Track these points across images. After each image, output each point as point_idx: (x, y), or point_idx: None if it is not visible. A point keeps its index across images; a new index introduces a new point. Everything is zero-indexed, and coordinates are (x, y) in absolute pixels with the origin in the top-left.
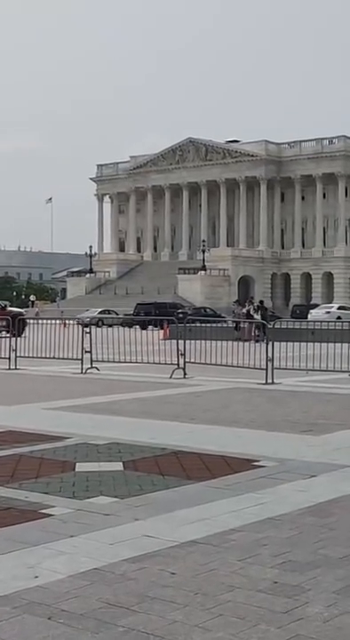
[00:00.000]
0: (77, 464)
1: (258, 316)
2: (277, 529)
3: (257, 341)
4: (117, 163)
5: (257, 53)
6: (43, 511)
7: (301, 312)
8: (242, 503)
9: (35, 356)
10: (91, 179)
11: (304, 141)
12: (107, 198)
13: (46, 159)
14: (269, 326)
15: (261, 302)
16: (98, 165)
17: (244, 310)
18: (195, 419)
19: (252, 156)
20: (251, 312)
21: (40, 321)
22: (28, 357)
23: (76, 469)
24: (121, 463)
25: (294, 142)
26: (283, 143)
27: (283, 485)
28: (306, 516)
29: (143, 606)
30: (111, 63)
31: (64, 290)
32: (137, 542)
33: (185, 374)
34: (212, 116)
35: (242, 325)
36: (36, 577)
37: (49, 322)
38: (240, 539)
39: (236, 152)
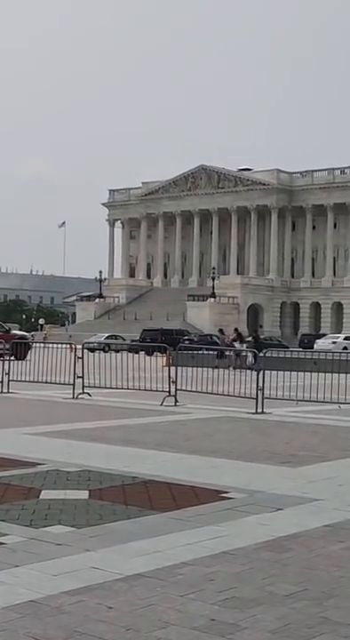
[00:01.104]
0: (43, 491)
1: (238, 345)
2: (229, 563)
3: (251, 369)
4: (129, 189)
5: (270, 83)
6: None
7: (309, 341)
8: (200, 536)
9: (33, 380)
10: (102, 204)
11: (316, 171)
12: (118, 224)
13: (60, 184)
14: (259, 355)
15: (255, 331)
16: (110, 191)
17: (230, 338)
18: (175, 447)
19: (264, 184)
20: (237, 341)
21: (48, 345)
22: (26, 382)
23: (41, 497)
24: (87, 492)
25: (306, 172)
26: (295, 172)
27: (247, 518)
28: (261, 551)
29: None
30: (125, 89)
31: (74, 314)
32: (81, 574)
33: (176, 402)
34: (225, 143)
35: (227, 354)
36: None
37: (55, 346)
38: (188, 573)
39: (248, 180)
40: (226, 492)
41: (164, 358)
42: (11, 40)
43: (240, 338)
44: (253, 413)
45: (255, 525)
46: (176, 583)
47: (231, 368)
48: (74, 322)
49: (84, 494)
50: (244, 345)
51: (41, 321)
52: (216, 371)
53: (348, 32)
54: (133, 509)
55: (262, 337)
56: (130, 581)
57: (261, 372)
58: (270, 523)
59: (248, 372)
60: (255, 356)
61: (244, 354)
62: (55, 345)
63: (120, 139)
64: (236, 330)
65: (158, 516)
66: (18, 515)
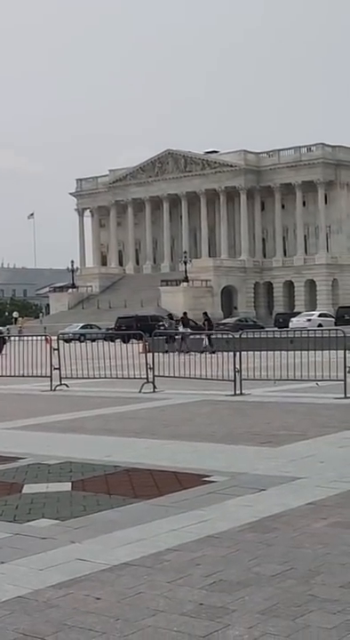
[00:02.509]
0: (25, 485)
1: (181, 328)
2: (214, 547)
3: (214, 352)
4: (97, 177)
5: (234, 65)
6: None
7: (284, 320)
8: (184, 521)
9: (10, 374)
10: (70, 193)
11: (282, 150)
12: (87, 212)
13: (27, 175)
14: (215, 337)
15: (205, 313)
16: (77, 180)
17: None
18: (155, 434)
19: (231, 166)
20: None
21: (23, 338)
22: (3, 376)
23: (23, 491)
24: (70, 483)
25: (272, 151)
26: (262, 152)
27: (230, 501)
28: (246, 533)
29: (59, 636)
30: (89, 78)
31: (48, 306)
32: (68, 566)
33: (154, 388)
34: (191, 127)
35: (177, 337)
36: None
37: (31, 339)
38: (174, 559)
39: (215, 163)
40: (208, 476)
41: (140, 345)
42: None
43: (183, 321)
44: (232, 395)
45: (238, 507)
46: (162, 570)
47: (183, 353)
48: (48, 313)
49: (67, 486)
50: (187, 329)
51: (15, 314)
52: (193, 354)
53: (313, 8)
54: (117, 499)
55: (237, 318)
56: (116, 571)
57: (238, 353)
58: (253, 504)
59: (206, 354)
60: (209, 339)
61: (191, 337)
62: (31, 338)
63: (87, 128)
64: (184, 314)
65: (142, 504)
66: (1, 510)
